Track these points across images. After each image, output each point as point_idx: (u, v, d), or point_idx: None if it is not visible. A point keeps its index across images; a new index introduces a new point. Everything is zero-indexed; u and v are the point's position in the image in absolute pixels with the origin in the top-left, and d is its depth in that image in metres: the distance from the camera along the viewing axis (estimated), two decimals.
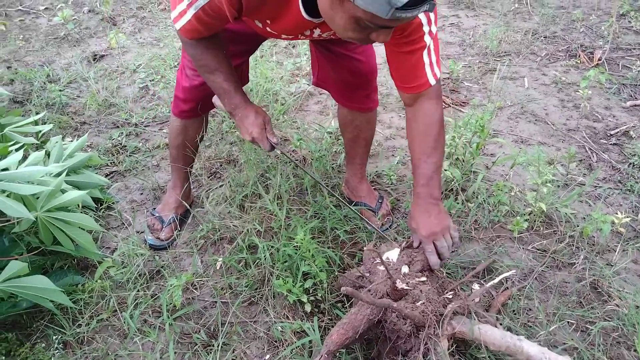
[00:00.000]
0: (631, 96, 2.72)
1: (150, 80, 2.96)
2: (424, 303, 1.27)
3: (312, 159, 2.12)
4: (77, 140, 1.93)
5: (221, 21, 1.27)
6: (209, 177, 2.19)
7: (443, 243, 1.36)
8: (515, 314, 1.54)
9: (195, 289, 1.68)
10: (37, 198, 1.53)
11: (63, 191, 1.59)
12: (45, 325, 1.58)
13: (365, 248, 1.48)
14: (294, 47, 3.31)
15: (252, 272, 1.65)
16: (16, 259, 1.43)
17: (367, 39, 1.08)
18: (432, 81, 1.36)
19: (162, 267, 1.76)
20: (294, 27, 1.28)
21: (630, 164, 2.23)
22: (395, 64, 1.38)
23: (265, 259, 1.63)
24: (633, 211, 1.97)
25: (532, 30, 3.41)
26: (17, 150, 1.69)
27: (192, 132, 1.83)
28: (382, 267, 1.40)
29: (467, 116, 1.98)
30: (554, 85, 2.85)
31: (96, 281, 1.66)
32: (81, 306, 1.61)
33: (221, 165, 2.24)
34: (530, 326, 1.51)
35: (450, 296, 1.32)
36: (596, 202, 2.00)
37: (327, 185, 1.94)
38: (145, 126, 2.58)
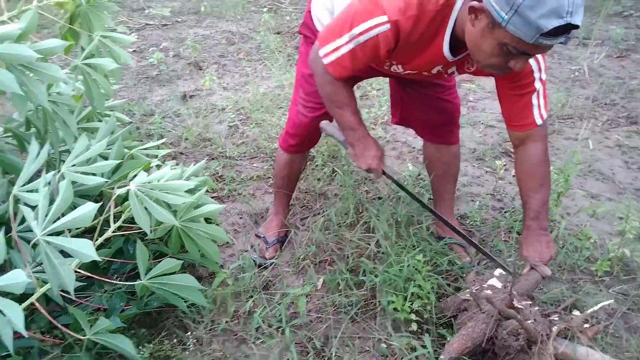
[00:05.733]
0: None
1: (239, 120, 3.23)
2: (533, 322, 1.40)
3: (397, 198, 2.30)
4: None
5: (370, 60, 1.45)
6: (301, 207, 2.38)
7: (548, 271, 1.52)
8: (603, 348, 1.64)
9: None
10: (175, 211, 1.74)
11: (197, 205, 1.80)
12: (171, 324, 1.75)
13: (471, 273, 1.63)
14: (367, 98, 3.57)
15: (356, 292, 1.80)
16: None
17: (505, 66, 1.28)
18: (539, 121, 1.55)
19: (269, 281, 1.93)
20: (427, 64, 1.49)
21: None
22: (506, 105, 1.58)
23: (370, 281, 1.78)
24: None
25: (592, 97, 3.61)
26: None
27: (297, 165, 2.06)
28: (489, 291, 1.54)
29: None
30: (617, 147, 3.01)
31: (215, 289, 1.83)
32: (202, 310, 1.78)
33: (312, 197, 2.44)
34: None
35: (556, 318, 1.45)
36: None
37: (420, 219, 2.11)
38: (238, 159, 2.82)
